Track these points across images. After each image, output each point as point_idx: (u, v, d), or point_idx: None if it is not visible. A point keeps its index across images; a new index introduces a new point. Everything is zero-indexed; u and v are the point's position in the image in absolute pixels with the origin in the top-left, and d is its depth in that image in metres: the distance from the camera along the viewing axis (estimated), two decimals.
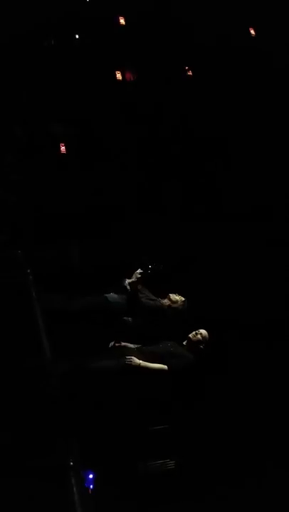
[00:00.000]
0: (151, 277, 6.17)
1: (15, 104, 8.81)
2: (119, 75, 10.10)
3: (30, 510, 3.76)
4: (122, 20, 10.62)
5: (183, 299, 6.13)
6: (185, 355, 5.65)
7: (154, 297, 6.19)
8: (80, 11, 10.25)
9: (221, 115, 9.60)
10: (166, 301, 6.12)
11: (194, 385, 5.66)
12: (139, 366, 5.37)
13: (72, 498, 3.70)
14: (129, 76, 10.30)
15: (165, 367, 5.48)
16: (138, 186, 8.33)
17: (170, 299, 6.11)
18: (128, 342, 5.66)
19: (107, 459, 4.85)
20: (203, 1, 10.78)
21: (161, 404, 5.31)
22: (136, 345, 5.69)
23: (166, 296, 6.15)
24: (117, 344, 5.63)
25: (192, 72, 10.55)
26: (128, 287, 6.12)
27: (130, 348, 5.63)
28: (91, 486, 4.66)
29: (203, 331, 5.80)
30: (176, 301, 6.10)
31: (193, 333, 5.79)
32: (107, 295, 6.11)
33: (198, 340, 5.75)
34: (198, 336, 5.76)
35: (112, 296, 6.11)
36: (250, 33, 11.29)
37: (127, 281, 6.14)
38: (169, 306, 6.08)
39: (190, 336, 5.79)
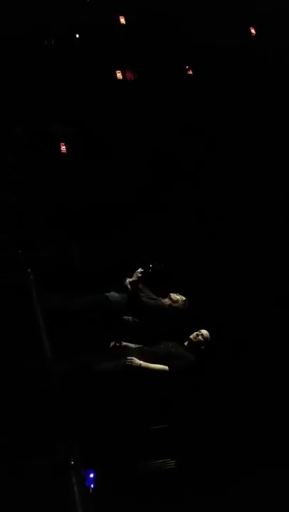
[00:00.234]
0: (152, 276, 6.17)
1: (15, 103, 8.81)
2: (119, 75, 10.09)
3: (30, 510, 3.77)
4: (122, 20, 10.61)
5: (184, 298, 6.13)
6: (186, 355, 5.65)
7: (154, 296, 6.19)
8: (80, 11, 10.24)
9: (221, 114, 9.59)
10: (166, 301, 6.12)
11: (194, 384, 5.65)
12: (139, 367, 5.37)
13: (72, 497, 3.70)
14: (129, 75, 10.30)
15: (166, 367, 5.48)
16: (139, 186, 8.32)
17: (171, 299, 6.11)
18: (128, 341, 5.66)
19: (108, 458, 4.85)
20: (204, 1, 10.78)
21: (161, 403, 5.30)
22: (137, 345, 5.69)
23: (166, 295, 6.15)
24: (117, 344, 5.62)
25: (192, 72, 10.55)
26: (129, 286, 6.12)
27: (131, 348, 5.63)
28: (92, 485, 4.66)
29: (204, 332, 5.79)
30: (176, 301, 6.10)
31: (194, 333, 5.78)
32: (107, 294, 6.12)
33: (199, 341, 5.75)
34: (200, 337, 5.76)
35: (113, 295, 6.12)
36: (250, 32, 11.28)
37: (128, 280, 6.14)
38: (170, 305, 6.08)
39: (191, 336, 5.79)
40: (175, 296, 6.12)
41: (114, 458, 4.88)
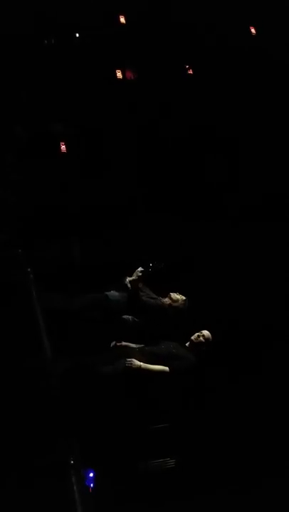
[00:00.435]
0: (152, 276, 6.17)
1: (15, 103, 8.81)
2: (119, 74, 10.09)
3: (31, 509, 3.77)
4: (122, 19, 10.61)
5: (184, 298, 6.12)
6: (187, 357, 5.61)
7: (154, 296, 6.19)
8: (80, 10, 10.24)
9: (221, 114, 9.59)
10: (166, 300, 6.12)
11: (195, 384, 5.64)
12: (139, 368, 5.33)
13: (72, 497, 3.71)
14: (129, 75, 10.29)
15: (166, 369, 5.44)
16: (139, 185, 8.32)
17: (171, 298, 6.10)
18: (128, 340, 5.65)
19: (108, 457, 4.85)
20: (204, 0, 10.77)
21: (161, 402, 5.30)
22: (138, 345, 5.66)
23: (166, 295, 6.15)
24: (118, 344, 5.61)
25: (193, 71, 10.54)
26: (129, 285, 6.12)
27: (132, 348, 5.60)
28: (91, 485, 4.66)
29: (205, 333, 5.75)
30: (176, 300, 6.10)
31: (196, 334, 5.75)
32: (107, 293, 6.12)
33: (201, 342, 5.71)
34: (201, 338, 5.72)
35: (113, 294, 6.12)
36: (250, 31, 11.28)
37: (128, 279, 6.14)
38: (170, 305, 6.08)
39: (192, 337, 5.75)
40: (175, 296, 6.11)
41: (114, 457, 4.88)
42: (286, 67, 10.29)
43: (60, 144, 8.76)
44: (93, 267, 6.97)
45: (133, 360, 5.34)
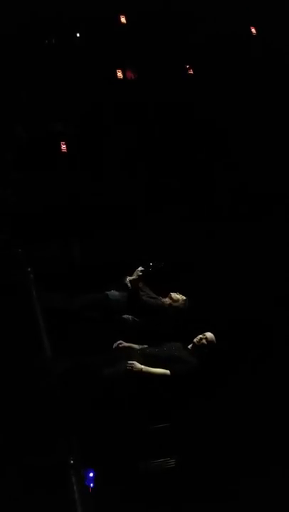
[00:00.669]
0: (152, 276, 6.17)
1: (15, 102, 8.80)
2: (120, 74, 10.09)
3: (31, 509, 3.77)
4: (122, 19, 10.61)
5: (184, 297, 6.12)
6: (189, 360, 5.53)
7: (154, 295, 6.19)
8: (80, 10, 10.24)
9: (222, 114, 9.59)
10: (167, 300, 6.12)
11: (195, 384, 5.62)
12: (140, 371, 5.28)
13: (72, 497, 3.71)
14: (130, 75, 10.29)
15: (167, 372, 5.37)
16: (139, 185, 8.32)
17: (171, 298, 6.09)
18: (128, 340, 5.63)
19: (108, 457, 4.84)
20: (205, 0, 10.77)
21: (161, 402, 5.29)
22: (140, 346, 5.64)
23: (167, 294, 6.15)
24: (120, 345, 5.57)
25: (193, 71, 10.54)
26: (129, 285, 6.11)
27: (134, 349, 5.55)
28: (91, 485, 4.65)
29: (208, 335, 5.66)
30: (177, 300, 6.09)
31: (199, 337, 5.66)
32: (107, 292, 6.12)
33: (203, 345, 5.62)
34: (203, 341, 5.62)
35: (113, 293, 6.12)
36: (251, 31, 11.28)
37: (128, 278, 6.14)
38: (170, 304, 6.08)
39: (195, 340, 5.66)
40: (175, 296, 6.10)
41: (114, 457, 4.87)
42: (287, 68, 10.29)
43: (60, 144, 8.76)
44: (93, 267, 6.95)
45: (134, 363, 5.27)
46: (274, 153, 9.02)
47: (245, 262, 7.38)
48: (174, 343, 5.66)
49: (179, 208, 8.03)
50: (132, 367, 5.25)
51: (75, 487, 3.74)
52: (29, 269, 5.48)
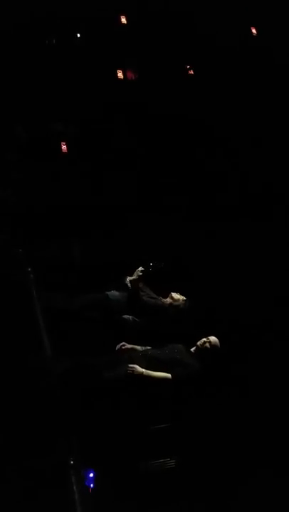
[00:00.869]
0: (152, 276, 6.16)
1: (16, 102, 8.80)
2: (120, 74, 10.09)
3: (30, 509, 3.76)
4: (123, 19, 10.61)
5: (184, 298, 6.11)
6: (191, 364, 5.45)
7: (155, 295, 6.19)
8: (81, 10, 10.24)
9: (222, 114, 9.59)
10: (167, 300, 6.11)
11: (196, 385, 5.61)
12: (141, 375, 5.22)
13: (72, 497, 3.70)
14: (130, 75, 10.30)
15: (169, 376, 5.30)
16: (139, 185, 8.32)
17: (172, 298, 6.09)
18: (129, 340, 5.62)
19: (108, 457, 4.84)
20: (205, 0, 10.78)
21: (162, 402, 5.28)
22: (143, 348, 5.59)
23: (167, 294, 6.14)
24: (123, 347, 5.53)
25: (193, 72, 10.54)
26: (129, 285, 6.11)
27: (136, 351, 5.51)
28: (91, 485, 4.64)
29: (212, 339, 5.58)
30: (177, 300, 6.08)
31: (202, 340, 5.59)
32: (108, 292, 6.11)
33: (206, 349, 5.55)
34: (207, 345, 5.56)
35: (113, 293, 6.11)
36: (251, 32, 11.28)
37: (128, 278, 6.14)
38: (170, 304, 6.08)
39: (198, 343, 5.59)
40: (176, 296, 6.09)
41: (114, 457, 4.87)
42: (287, 68, 10.29)
43: (60, 144, 8.76)
44: (93, 267, 6.95)
45: (135, 366, 5.22)
46: (274, 153, 9.02)
47: (246, 262, 7.38)
48: (177, 345, 5.60)
49: (179, 207, 8.03)
50: (133, 371, 5.20)
51: (74, 487, 3.74)
52: (29, 269, 5.46)
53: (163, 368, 5.34)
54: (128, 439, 4.96)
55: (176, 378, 5.33)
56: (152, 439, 5.10)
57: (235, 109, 9.68)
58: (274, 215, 8.15)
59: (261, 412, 5.56)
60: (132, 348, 5.55)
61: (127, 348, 5.54)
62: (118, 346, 5.56)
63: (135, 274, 6.10)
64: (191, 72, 10.55)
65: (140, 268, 6.08)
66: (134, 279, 6.09)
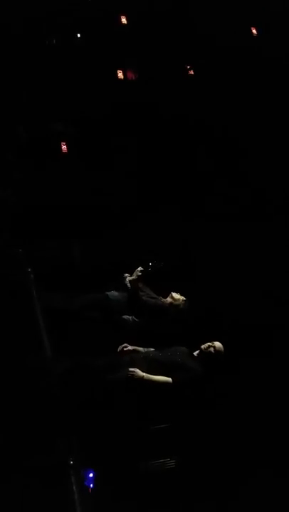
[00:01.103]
0: (152, 275, 6.16)
1: (16, 103, 8.80)
2: (120, 74, 10.09)
3: (30, 509, 3.76)
4: (123, 20, 10.61)
5: (184, 298, 6.11)
6: (193, 368, 5.38)
7: (155, 295, 6.18)
8: (81, 10, 10.25)
9: (222, 115, 9.59)
10: (167, 300, 6.11)
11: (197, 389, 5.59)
12: (142, 379, 5.16)
13: (72, 497, 3.70)
14: (130, 75, 10.30)
15: (169, 380, 5.24)
16: (139, 185, 8.32)
17: (172, 297, 6.08)
18: (128, 340, 5.60)
19: (108, 457, 4.83)
20: (205, 0, 10.78)
21: (162, 402, 5.28)
22: (145, 350, 5.54)
23: (167, 294, 6.14)
24: (125, 349, 5.50)
25: (193, 72, 10.55)
26: (128, 285, 6.11)
27: (139, 352, 5.47)
28: (91, 485, 4.64)
29: (217, 344, 5.52)
30: (177, 300, 6.08)
31: (207, 344, 5.52)
32: (107, 293, 6.11)
33: (210, 353, 5.48)
34: (211, 349, 5.49)
35: (113, 293, 6.11)
36: (251, 32, 11.28)
37: (128, 278, 6.13)
38: (170, 304, 6.07)
39: (202, 347, 5.52)
40: (176, 295, 6.09)
41: (114, 457, 4.86)
42: (288, 68, 10.30)
43: (61, 144, 8.76)
44: (93, 267, 6.95)
45: (136, 370, 5.16)
46: (275, 153, 9.02)
47: (246, 262, 7.38)
48: (179, 348, 5.54)
49: (179, 207, 8.03)
50: (133, 375, 5.15)
51: (74, 487, 3.74)
52: (29, 269, 5.46)
53: (164, 371, 5.29)
54: (128, 439, 4.96)
55: (177, 382, 5.26)
56: (152, 439, 5.09)
57: (235, 110, 9.68)
58: (275, 215, 8.15)
59: (261, 412, 5.56)
60: (134, 350, 5.50)
61: (129, 350, 5.49)
62: (120, 347, 5.52)
63: (134, 274, 6.09)
64: (191, 72, 10.55)
65: (139, 268, 6.07)
66: (133, 279, 6.08)
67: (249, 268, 7.32)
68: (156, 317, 5.98)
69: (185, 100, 9.74)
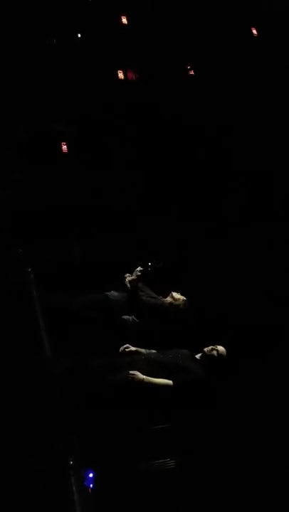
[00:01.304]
0: (152, 275, 6.15)
1: (16, 103, 8.81)
2: (121, 75, 10.10)
3: (30, 509, 3.76)
4: (124, 20, 10.62)
5: (184, 298, 6.10)
6: (194, 371, 5.32)
7: (154, 295, 6.18)
8: (82, 10, 10.25)
9: (223, 115, 9.59)
10: (167, 299, 6.11)
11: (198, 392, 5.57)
12: (142, 381, 5.11)
13: (72, 497, 3.70)
14: (130, 75, 10.30)
15: (170, 382, 5.19)
16: (139, 185, 8.32)
17: (173, 297, 6.08)
18: (128, 340, 5.59)
19: (108, 457, 4.83)
20: (206, 1, 10.79)
21: (162, 403, 5.27)
22: (147, 351, 5.50)
23: (167, 294, 6.14)
24: (127, 350, 5.47)
25: (194, 72, 10.55)
26: (128, 285, 6.10)
27: (140, 354, 5.44)
28: (91, 485, 4.64)
29: (220, 348, 5.46)
30: (178, 299, 6.07)
31: (210, 347, 5.46)
32: (107, 293, 6.11)
33: (213, 357, 5.42)
34: (214, 352, 5.43)
35: (113, 293, 6.11)
36: (252, 32, 11.29)
37: (128, 278, 6.13)
38: (171, 304, 6.07)
39: (205, 349, 5.46)
40: (176, 295, 6.08)
41: (114, 457, 4.86)
42: (288, 68, 10.31)
43: (61, 144, 8.76)
44: (93, 267, 6.95)
45: (136, 373, 5.12)
46: (275, 153, 9.03)
47: (246, 262, 7.38)
48: (181, 350, 5.48)
49: (178, 207, 8.03)
50: (133, 378, 5.11)
51: (74, 487, 3.73)
52: (29, 269, 5.46)
53: (165, 373, 5.25)
54: (128, 439, 4.95)
55: (177, 385, 5.22)
56: (152, 439, 5.09)
57: (235, 110, 9.68)
58: (275, 215, 8.15)
59: (261, 412, 5.55)
60: (135, 351, 5.47)
61: (131, 351, 5.46)
62: (122, 348, 5.49)
63: (134, 274, 6.08)
64: (192, 72, 10.55)
65: (139, 268, 6.06)
66: (132, 279, 6.07)
67: (249, 268, 7.32)
68: (156, 317, 5.98)
69: (185, 100, 9.74)
